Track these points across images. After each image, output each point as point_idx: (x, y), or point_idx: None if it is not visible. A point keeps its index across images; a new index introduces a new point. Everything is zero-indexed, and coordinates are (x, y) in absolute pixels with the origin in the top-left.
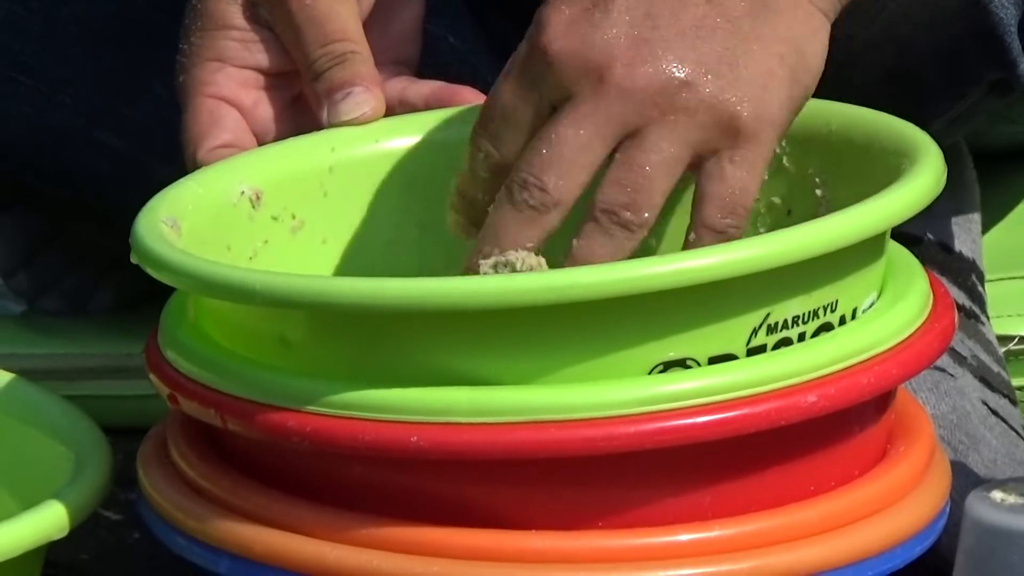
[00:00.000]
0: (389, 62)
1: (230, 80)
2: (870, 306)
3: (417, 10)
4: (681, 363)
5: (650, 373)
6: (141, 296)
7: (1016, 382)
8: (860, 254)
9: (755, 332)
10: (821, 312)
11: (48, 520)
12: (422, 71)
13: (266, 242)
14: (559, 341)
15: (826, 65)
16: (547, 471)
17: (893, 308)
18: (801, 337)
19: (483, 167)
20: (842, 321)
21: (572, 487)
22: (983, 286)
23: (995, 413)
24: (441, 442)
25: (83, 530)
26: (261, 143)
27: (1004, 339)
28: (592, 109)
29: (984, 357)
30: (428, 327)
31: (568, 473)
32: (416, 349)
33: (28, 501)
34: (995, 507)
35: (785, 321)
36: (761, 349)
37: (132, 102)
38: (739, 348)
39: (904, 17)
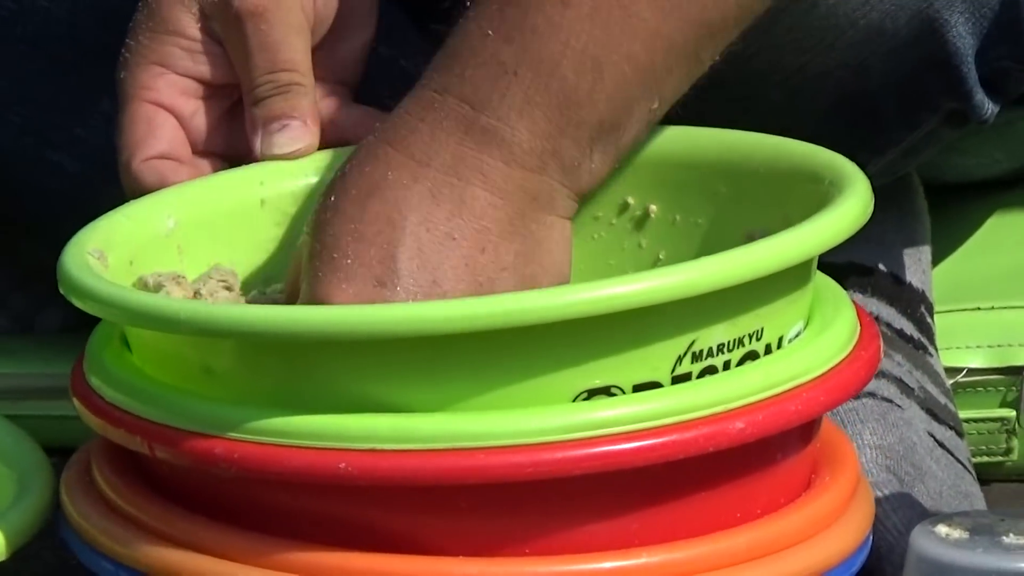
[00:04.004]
0: (330, 80)
1: (171, 87)
2: (796, 335)
3: (367, 36)
4: (605, 391)
5: (574, 400)
6: (88, 317)
7: (963, 414)
8: (785, 282)
9: (680, 360)
10: (746, 340)
11: None
12: (379, 94)
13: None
14: (482, 368)
15: (778, 92)
16: (473, 497)
17: (820, 337)
18: (726, 365)
19: None
20: (768, 350)
21: (498, 513)
22: (932, 317)
23: (941, 445)
24: (369, 468)
25: (27, 552)
26: (195, 152)
27: (952, 371)
28: None
29: (931, 389)
30: (348, 355)
31: (494, 499)
32: (337, 377)
33: None
34: (940, 541)
35: (710, 349)
36: (686, 377)
37: (83, 123)
38: (664, 376)
39: (862, 44)
